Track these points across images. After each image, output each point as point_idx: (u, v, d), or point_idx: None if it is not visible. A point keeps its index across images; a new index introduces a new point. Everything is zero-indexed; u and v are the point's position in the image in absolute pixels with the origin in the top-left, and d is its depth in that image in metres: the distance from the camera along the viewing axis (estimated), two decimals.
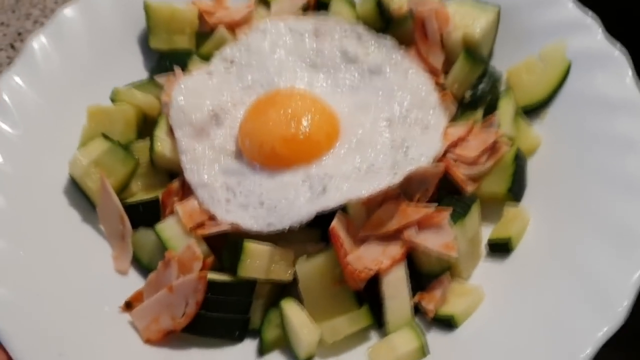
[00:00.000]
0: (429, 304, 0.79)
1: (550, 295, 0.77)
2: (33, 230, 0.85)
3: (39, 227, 0.86)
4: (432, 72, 1.01)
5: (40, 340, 0.72)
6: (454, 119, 0.98)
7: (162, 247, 0.83)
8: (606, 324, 0.70)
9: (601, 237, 0.78)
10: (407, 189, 0.85)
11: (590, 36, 0.94)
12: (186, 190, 0.89)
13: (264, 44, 1.03)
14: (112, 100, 0.98)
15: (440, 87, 0.99)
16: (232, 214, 0.84)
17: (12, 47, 1.27)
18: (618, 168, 0.83)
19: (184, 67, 1.01)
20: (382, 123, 0.93)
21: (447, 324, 0.79)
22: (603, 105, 0.89)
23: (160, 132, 0.91)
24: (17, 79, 0.96)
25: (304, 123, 0.88)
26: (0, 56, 1.25)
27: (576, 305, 0.74)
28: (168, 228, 0.84)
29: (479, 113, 0.97)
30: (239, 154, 0.91)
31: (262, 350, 0.80)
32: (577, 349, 0.70)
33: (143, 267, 0.87)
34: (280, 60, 1.01)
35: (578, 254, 0.79)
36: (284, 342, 0.79)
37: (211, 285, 0.78)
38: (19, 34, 1.29)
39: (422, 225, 0.81)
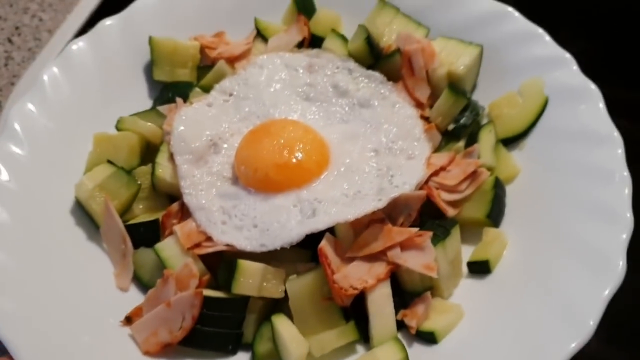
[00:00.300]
0: (412, 320, 0.84)
1: (526, 312, 0.82)
2: (40, 247, 0.89)
3: (45, 244, 0.90)
4: (418, 105, 1.06)
5: (46, 351, 0.76)
6: (437, 149, 1.04)
7: (161, 265, 0.88)
8: (575, 339, 0.75)
9: (574, 259, 0.84)
10: (392, 213, 0.91)
11: (567, 70, 1.01)
12: (185, 213, 0.94)
13: (261, 77, 1.09)
14: (117, 128, 1.04)
15: (425, 120, 1.05)
16: (227, 235, 0.90)
17: (10, 41, 1.27)
18: (591, 195, 0.89)
19: (186, 98, 1.07)
20: (369, 152, 0.99)
21: (428, 339, 0.84)
22: (578, 137, 0.95)
23: (162, 159, 0.97)
24: (30, 106, 1.02)
25: (296, 151, 0.94)
26: None
27: (548, 322, 0.79)
28: (167, 247, 0.89)
29: (461, 143, 1.04)
30: (235, 180, 0.96)
31: None
32: None
33: (143, 284, 0.92)
34: (275, 93, 1.08)
35: (552, 275, 0.84)
36: (275, 356, 0.83)
37: (207, 301, 0.83)
38: (17, 28, 1.29)
39: (405, 246, 0.86)
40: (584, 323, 0.77)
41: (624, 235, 0.83)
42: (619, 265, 0.80)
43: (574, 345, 0.75)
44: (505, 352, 0.78)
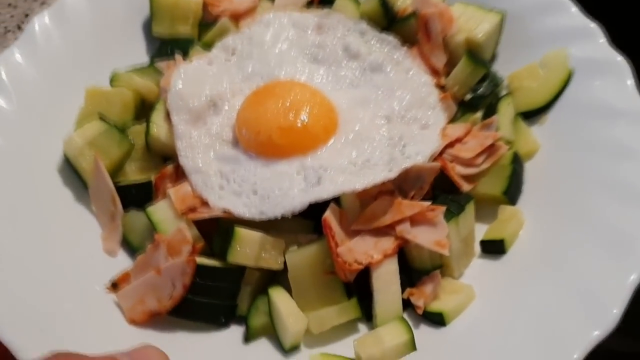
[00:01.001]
0: (419, 299, 0.78)
1: (542, 297, 0.76)
2: (24, 207, 0.84)
3: (29, 204, 0.85)
4: (434, 72, 1.01)
5: (23, 315, 0.71)
6: (453, 120, 0.98)
7: (152, 229, 0.83)
8: (597, 328, 0.70)
9: (596, 241, 0.78)
10: (402, 185, 0.85)
11: (593, 43, 0.94)
12: (180, 175, 0.88)
13: (266, 36, 1.03)
14: (112, 84, 0.98)
15: (441, 88, 0.99)
16: (224, 200, 0.84)
17: (20, 28, 1.26)
18: (615, 174, 0.83)
19: (185, 55, 1.01)
20: (381, 120, 0.93)
21: (436, 320, 0.78)
22: (603, 112, 0.89)
23: (157, 118, 0.91)
24: (17, 57, 0.96)
25: (302, 114, 0.87)
26: (8, 38, 1.25)
27: (568, 309, 0.73)
28: (159, 211, 0.83)
29: (478, 115, 0.98)
30: (235, 143, 0.90)
31: (247, 337, 0.79)
32: (565, 352, 0.69)
33: (132, 249, 0.86)
34: (281, 53, 1.01)
35: (572, 258, 0.78)
36: (271, 330, 0.78)
37: (199, 270, 0.77)
38: (27, 15, 1.28)
39: (416, 221, 0.81)
40: (607, 311, 0.71)
41: None
42: None
43: (596, 334, 0.69)
44: (519, 339, 0.73)
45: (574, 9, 0.98)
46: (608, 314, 0.70)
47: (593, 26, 0.96)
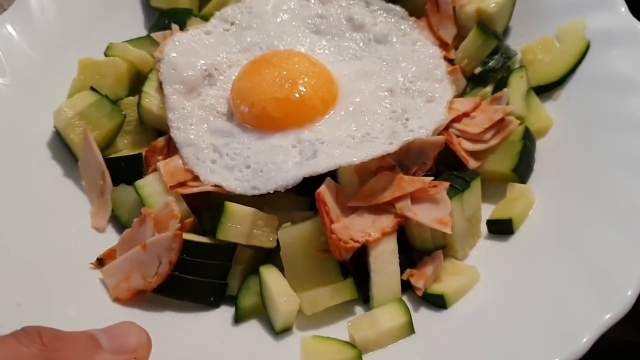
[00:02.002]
0: (419, 281, 0.74)
1: (551, 280, 0.71)
2: (11, 180, 0.81)
3: (17, 177, 0.82)
4: (442, 45, 0.96)
5: (5, 293, 0.68)
6: (462, 95, 0.93)
7: (141, 205, 0.79)
8: (609, 311, 0.65)
9: (610, 221, 0.73)
10: (404, 161, 0.80)
11: (612, 12, 0.88)
12: (172, 149, 0.84)
13: (267, 6, 0.99)
14: (106, 54, 0.94)
15: (450, 62, 0.94)
16: (216, 174, 0.80)
17: None
18: (632, 151, 0.77)
19: (183, 26, 0.98)
20: (383, 92, 0.88)
21: (437, 303, 0.74)
22: (620, 86, 0.83)
23: (149, 88, 0.88)
24: (9, 27, 0.93)
25: (299, 84, 0.83)
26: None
27: (578, 291, 0.68)
28: (148, 185, 0.79)
29: (488, 89, 0.93)
30: (230, 115, 0.86)
31: (237, 318, 0.75)
32: (574, 336, 0.64)
33: (121, 225, 0.83)
34: (282, 24, 0.97)
35: (584, 238, 0.73)
36: (262, 311, 0.74)
37: (187, 246, 0.74)
38: None
39: (417, 198, 0.76)
40: (620, 293, 0.65)
41: None
42: None
43: (608, 317, 0.64)
44: (525, 323, 0.68)
45: None
46: (621, 295, 0.65)
47: None
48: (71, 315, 0.69)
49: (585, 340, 0.63)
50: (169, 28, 0.97)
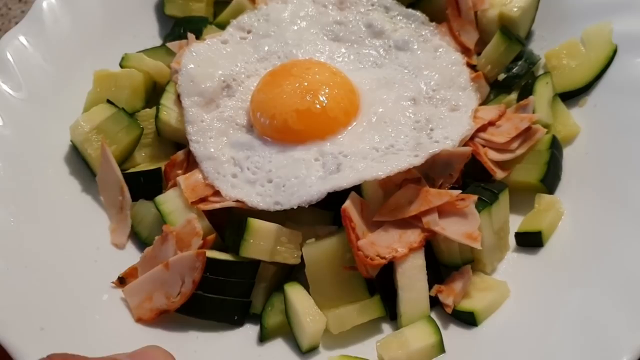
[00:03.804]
0: (448, 297, 0.72)
1: (583, 296, 0.69)
2: (29, 198, 0.80)
3: (35, 195, 0.81)
4: (464, 50, 0.94)
5: (23, 312, 0.67)
6: (485, 102, 0.91)
7: (162, 221, 0.78)
8: None
9: None
10: (430, 173, 0.79)
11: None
12: (191, 163, 0.83)
13: (284, 13, 0.97)
14: (121, 65, 0.93)
15: (472, 68, 0.93)
16: (237, 189, 0.78)
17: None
18: None
19: (199, 34, 0.96)
20: (406, 102, 0.86)
21: (466, 320, 0.72)
22: None
23: (167, 101, 0.86)
24: (23, 40, 0.91)
25: (321, 96, 0.81)
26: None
27: (612, 309, 0.66)
28: (169, 201, 0.78)
29: (513, 96, 0.91)
30: (250, 127, 0.85)
31: (262, 337, 0.74)
32: (613, 357, 0.62)
33: (141, 241, 0.82)
34: (300, 31, 0.95)
35: (616, 252, 0.71)
36: (287, 329, 0.73)
37: (210, 264, 0.72)
38: None
39: (444, 211, 0.74)
40: None
41: None
42: None
43: None
44: (557, 342, 0.66)
45: None
46: None
47: None
48: (95, 338, 0.68)
49: None
50: (185, 37, 0.96)
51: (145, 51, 0.96)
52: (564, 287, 0.71)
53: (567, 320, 0.67)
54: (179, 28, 1.00)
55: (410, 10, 0.96)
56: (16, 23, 1.02)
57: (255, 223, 0.73)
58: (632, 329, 0.63)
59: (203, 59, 0.89)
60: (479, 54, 0.94)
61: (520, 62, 0.91)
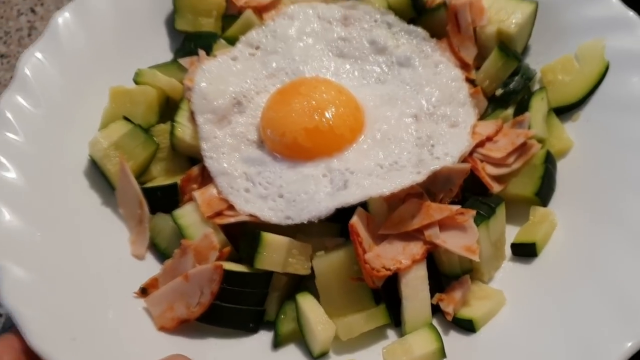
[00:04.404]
0: (448, 305, 0.77)
1: (574, 304, 0.75)
2: (52, 211, 0.84)
3: (57, 208, 0.84)
4: (463, 66, 0.98)
5: (55, 324, 0.71)
6: (483, 116, 0.95)
7: (179, 233, 0.82)
8: (631, 338, 0.68)
9: (632, 245, 0.75)
10: (431, 188, 0.83)
11: (632, 33, 0.90)
12: (205, 177, 0.87)
13: (290, 30, 1.00)
14: (135, 81, 0.96)
15: (471, 83, 0.96)
16: (250, 204, 0.83)
17: (33, 11, 1.25)
18: None
19: (209, 50, 0.99)
20: (408, 118, 0.91)
21: (466, 327, 0.77)
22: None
23: (181, 118, 0.90)
24: (40, 56, 0.94)
25: (328, 115, 0.85)
26: (21, 20, 1.24)
27: (600, 316, 0.71)
28: (186, 215, 0.83)
29: (510, 111, 0.95)
30: (260, 143, 0.89)
31: (276, 343, 0.79)
32: None
33: (160, 252, 0.86)
34: (306, 48, 0.99)
35: (607, 263, 0.76)
36: (299, 335, 0.78)
37: (227, 276, 0.77)
38: None
39: (445, 225, 0.79)
40: None
41: None
42: None
43: (630, 344, 0.67)
44: (551, 347, 0.71)
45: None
46: None
47: (632, 15, 0.91)
48: (121, 346, 0.73)
49: None
50: (195, 52, 0.99)
51: (157, 66, 0.99)
52: (556, 295, 0.77)
53: (556, 326, 0.73)
54: (189, 43, 1.03)
55: (411, 26, 0.99)
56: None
57: (268, 237, 0.78)
58: (617, 338, 0.68)
59: (214, 77, 0.93)
60: (477, 68, 0.97)
61: (517, 78, 0.95)
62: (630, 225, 0.78)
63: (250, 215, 0.82)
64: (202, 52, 0.98)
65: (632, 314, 0.70)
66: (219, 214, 0.82)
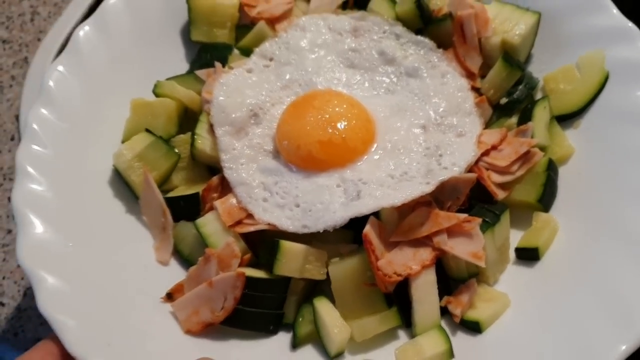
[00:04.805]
0: (456, 308, 0.82)
1: (574, 306, 0.79)
2: (80, 221, 0.88)
3: (85, 218, 0.88)
4: (469, 75, 1.01)
5: (90, 330, 0.75)
6: (488, 124, 0.99)
7: (201, 240, 0.87)
8: (625, 342, 0.72)
9: (630, 251, 0.80)
10: (439, 196, 0.88)
11: (632, 45, 0.93)
12: (225, 187, 0.92)
13: (303, 41, 1.04)
14: (155, 92, 1.00)
15: (476, 91, 1.00)
16: (269, 213, 0.88)
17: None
18: None
19: (224, 61, 1.03)
20: (417, 129, 0.95)
21: (472, 328, 0.82)
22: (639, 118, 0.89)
23: (201, 130, 0.94)
24: (62, 70, 0.97)
25: (341, 127, 0.90)
26: (24, 5, 1.25)
27: (597, 320, 0.76)
28: (208, 224, 0.87)
29: (514, 119, 0.98)
30: (276, 154, 0.93)
31: (295, 344, 0.84)
32: None
33: (184, 258, 0.91)
34: (318, 59, 1.03)
35: (605, 268, 0.81)
36: (316, 337, 0.83)
37: (248, 282, 0.82)
38: None
39: (453, 232, 0.84)
40: (636, 325, 0.73)
41: None
42: None
43: (624, 348, 0.72)
44: (552, 347, 0.76)
45: (614, 10, 0.96)
46: (637, 328, 0.73)
47: (632, 26, 0.95)
48: (153, 350, 0.78)
49: None
50: (211, 64, 1.02)
51: (175, 78, 1.03)
52: (557, 297, 0.81)
53: (557, 326, 0.77)
54: (205, 54, 1.07)
55: (419, 37, 1.02)
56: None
57: (285, 245, 0.83)
58: (611, 341, 0.73)
59: (232, 90, 0.97)
60: (482, 77, 1.01)
61: (520, 87, 0.99)
62: (626, 230, 0.82)
63: (269, 224, 0.87)
64: (218, 65, 1.01)
65: (627, 318, 0.74)
66: (239, 222, 0.87)
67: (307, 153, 0.89)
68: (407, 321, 0.83)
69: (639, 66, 0.92)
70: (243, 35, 1.08)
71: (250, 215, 0.88)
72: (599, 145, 0.92)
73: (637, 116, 0.89)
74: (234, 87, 0.98)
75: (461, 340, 0.81)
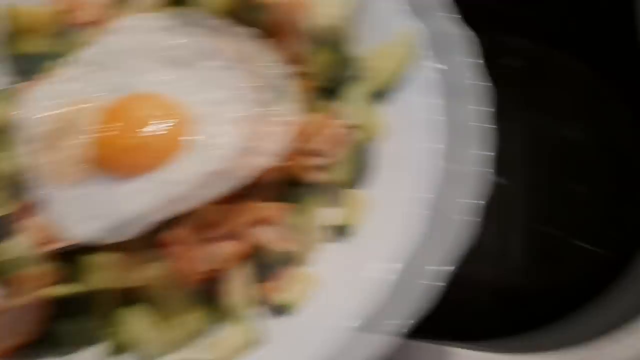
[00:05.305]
0: (271, 294, 0.85)
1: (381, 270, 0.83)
2: None
3: None
4: (291, 62, 1.02)
5: None
6: (309, 110, 1.01)
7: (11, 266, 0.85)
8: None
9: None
10: (253, 188, 0.89)
11: (448, 20, 0.95)
12: (37, 206, 0.89)
13: (120, 44, 1.02)
14: None
15: (297, 78, 1.01)
16: (79, 226, 0.87)
17: None
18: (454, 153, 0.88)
19: (41, 72, 1.00)
20: (235, 122, 0.95)
21: (287, 310, 0.85)
22: (451, 92, 0.93)
23: (8, 149, 0.92)
24: None
25: (151, 130, 0.89)
26: None
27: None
28: (14, 247, 0.86)
29: (334, 102, 1.00)
30: (89, 164, 0.92)
31: (114, 351, 0.85)
32: None
33: None
34: (137, 61, 1.01)
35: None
36: (135, 345, 0.84)
37: (58, 299, 0.81)
38: None
39: (264, 222, 0.86)
40: None
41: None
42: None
43: None
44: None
45: None
46: None
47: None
48: None
49: None
50: (31, 75, 1.00)
51: None
52: (370, 270, 0.85)
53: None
54: (25, 65, 1.04)
55: (238, 28, 1.02)
56: None
57: (97, 257, 0.83)
58: None
59: (43, 102, 0.95)
60: (303, 63, 1.01)
61: (340, 69, 1.01)
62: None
63: (81, 238, 0.86)
64: (36, 76, 0.99)
65: None
66: (50, 240, 0.86)
67: (117, 159, 0.88)
68: (224, 316, 0.85)
69: (450, 38, 0.94)
70: (64, 44, 1.05)
71: (62, 232, 0.87)
72: (412, 119, 0.95)
73: (441, 89, 0.93)
74: (46, 99, 0.96)
75: (277, 324, 0.84)
